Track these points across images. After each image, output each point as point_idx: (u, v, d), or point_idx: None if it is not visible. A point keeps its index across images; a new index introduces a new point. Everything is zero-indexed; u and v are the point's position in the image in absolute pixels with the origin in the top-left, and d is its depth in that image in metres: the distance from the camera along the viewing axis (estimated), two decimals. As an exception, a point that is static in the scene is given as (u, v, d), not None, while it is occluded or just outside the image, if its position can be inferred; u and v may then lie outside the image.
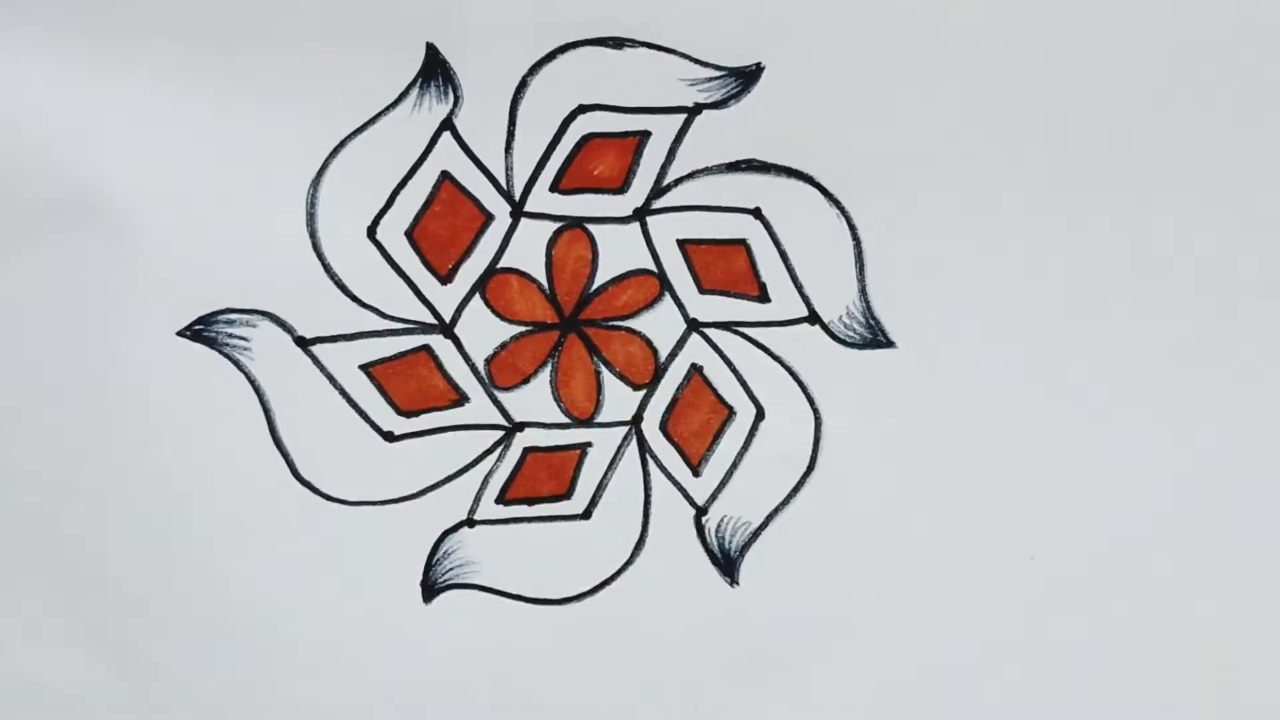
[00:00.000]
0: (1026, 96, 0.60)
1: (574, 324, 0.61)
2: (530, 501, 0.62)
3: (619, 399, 0.62)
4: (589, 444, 0.62)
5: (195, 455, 0.61)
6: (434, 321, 0.61)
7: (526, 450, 0.62)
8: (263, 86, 0.59)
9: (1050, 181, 0.60)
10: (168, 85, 0.59)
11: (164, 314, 0.60)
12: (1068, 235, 0.61)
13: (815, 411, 0.61)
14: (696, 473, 0.62)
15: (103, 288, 0.60)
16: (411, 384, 0.61)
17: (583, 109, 0.60)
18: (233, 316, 0.60)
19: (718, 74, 0.60)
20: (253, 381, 0.61)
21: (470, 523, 0.62)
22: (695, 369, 0.61)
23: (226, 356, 0.61)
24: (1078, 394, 0.61)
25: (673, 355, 0.61)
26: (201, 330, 0.60)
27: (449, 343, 0.61)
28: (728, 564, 0.62)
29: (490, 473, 0.62)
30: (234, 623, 0.62)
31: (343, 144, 0.60)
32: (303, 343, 0.61)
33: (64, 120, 0.59)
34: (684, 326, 0.61)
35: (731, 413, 0.62)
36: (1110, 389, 0.61)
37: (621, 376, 0.61)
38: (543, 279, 0.61)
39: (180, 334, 0.60)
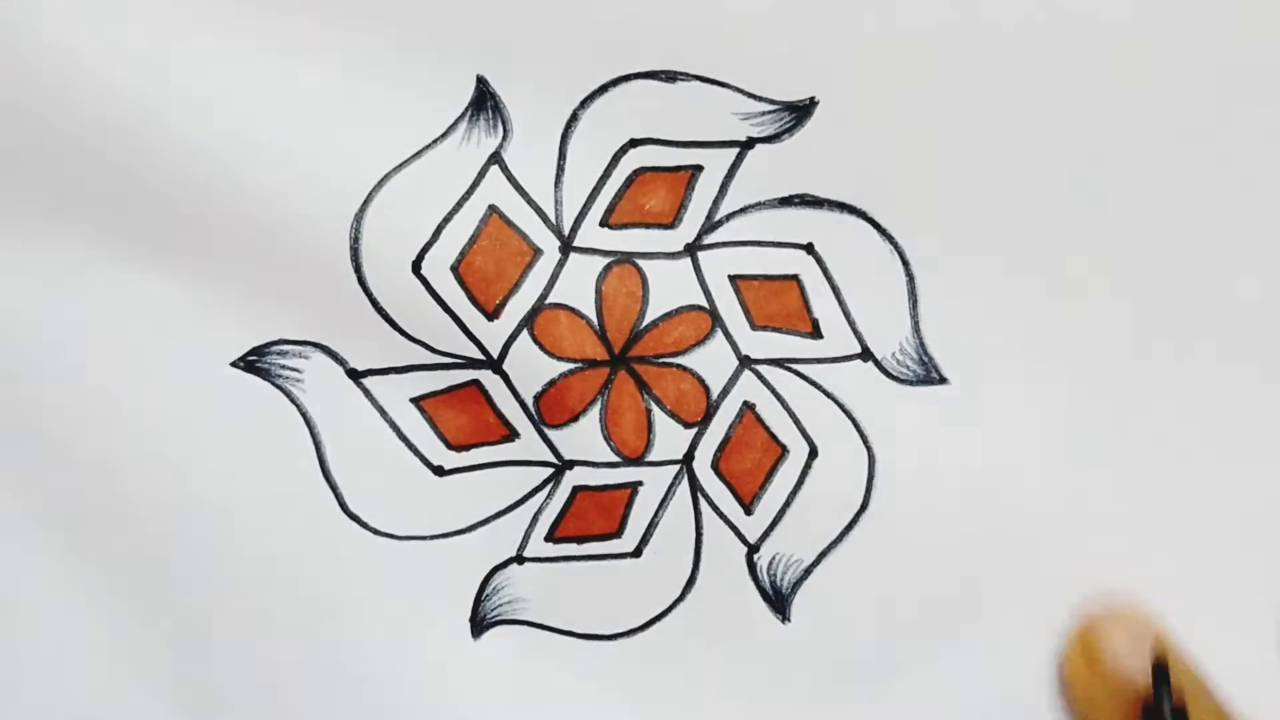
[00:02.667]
0: (1085, 134, 0.59)
1: (624, 361, 0.60)
2: (580, 540, 0.61)
3: (670, 437, 0.61)
4: (640, 483, 0.61)
5: (246, 486, 0.61)
6: (482, 357, 0.60)
7: (576, 489, 0.61)
8: (309, 118, 0.59)
9: (1109, 218, 0.59)
10: (212, 118, 0.58)
11: (216, 344, 0.60)
12: (1128, 273, 0.59)
13: (868, 449, 0.61)
14: (749, 511, 0.61)
15: (154, 318, 0.60)
16: (463, 418, 0.61)
17: (634, 143, 0.59)
18: (286, 348, 0.60)
19: (771, 108, 0.59)
20: (304, 414, 0.61)
21: (519, 560, 0.61)
22: (748, 406, 0.61)
23: (279, 388, 0.60)
24: (1139, 433, 0.60)
25: (725, 393, 0.60)
26: (255, 361, 0.60)
27: (498, 378, 0.60)
28: (779, 601, 0.61)
29: (540, 510, 0.61)
30: (283, 657, 0.61)
31: (388, 177, 0.59)
32: (354, 375, 0.60)
33: (111, 150, 0.58)
34: (736, 363, 0.60)
35: (784, 451, 0.61)
36: (1175, 428, 0.60)
37: (673, 414, 0.61)
38: (592, 315, 0.60)
39: (234, 364, 0.60)
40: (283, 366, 0.60)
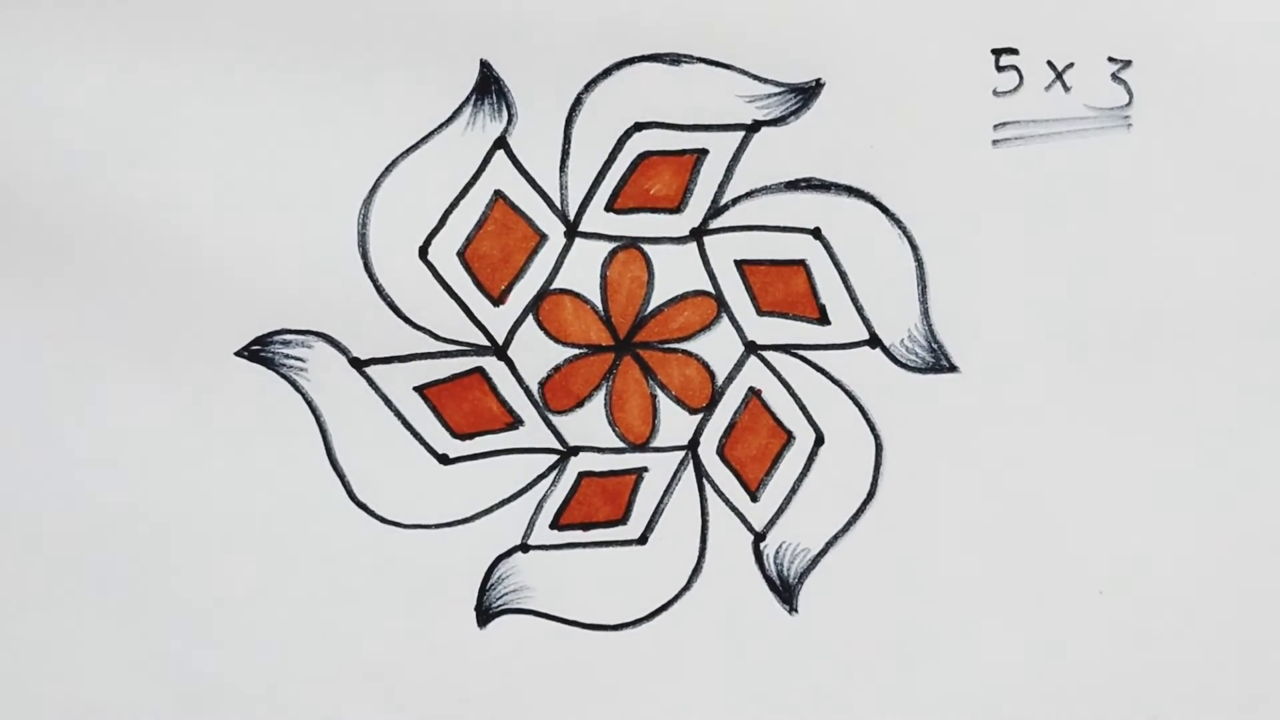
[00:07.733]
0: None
1: (629, 346, 0.60)
2: (585, 527, 0.61)
3: (675, 423, 0.60)
4: (645, 469, 0.61)
5: (252, 476, 0.61)
6: (486, 343, 0.60)
7: (581, 475, 0.61)
8: (315, 106, 0.59)
9: (1117, 203, 0.58)
10: (219, 107, 0.59)
11: (220, 334, 0.60)
12: (1135, 258, 0.59)
13: (876, 437, 0.60)
14: (755, 498, 0.61)
15: (159, 308, 0.60)
16: (466, 406, 0.60)
17: (639, 126, 0.59)
18: (288, 337, 0.60)
19: (777, 90, 0.59)
20: (309, 402, 0.60)
21: (524, 548, 0.61)
22: (753, 392, 0.60)
23: (283, 377, 0.60)
24: (1146, 420, 0.59)
25: (730, 378, 0.60)
26: (258, 351, 0.60)
27: (502, 365, 0.60)
28: (786, 591, 0.61)
29: (544, 497, 0.61)
30: (289, 646, 0.61)
31: (394, 163, 0.59)
32: (357, 364, 0.60)
33: (119, 140, 0.59)
34: (742, 349, 0.60)
35: (790, 437, 0.60)
36: (1183, 416, 0.59)
37: (678, 400, 0.60)
38: (597, 300, 0.60)
39: (238, 354, 0.60)
40: (286, 355, 0.60)
